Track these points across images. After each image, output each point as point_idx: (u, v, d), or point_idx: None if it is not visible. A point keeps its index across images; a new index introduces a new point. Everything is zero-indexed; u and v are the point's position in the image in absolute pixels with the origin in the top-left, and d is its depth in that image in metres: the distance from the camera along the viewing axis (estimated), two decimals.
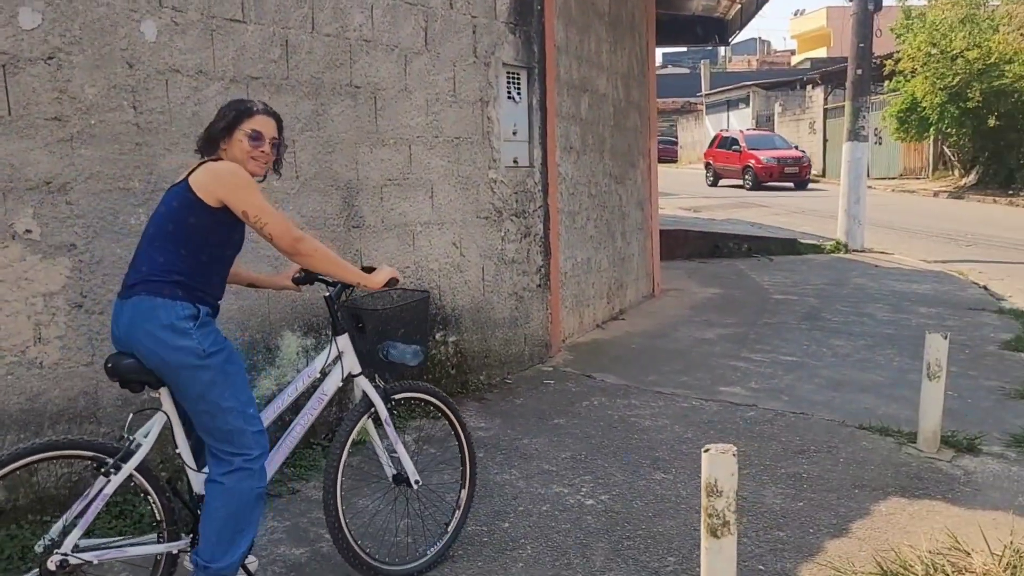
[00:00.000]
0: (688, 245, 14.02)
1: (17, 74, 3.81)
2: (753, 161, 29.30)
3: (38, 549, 3.00)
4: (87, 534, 3.07)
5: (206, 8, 4.47)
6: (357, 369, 3.61)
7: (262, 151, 3.23)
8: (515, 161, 6.69)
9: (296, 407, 3.59)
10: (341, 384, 3.61)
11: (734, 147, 30.96)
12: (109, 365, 3.08)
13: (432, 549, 3.82)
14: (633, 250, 9.89)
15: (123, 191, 4.12)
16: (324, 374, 3.59)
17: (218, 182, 3.08)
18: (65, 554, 2.98)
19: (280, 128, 3.32)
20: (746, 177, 29.69)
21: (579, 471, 4.84)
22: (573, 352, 7.51)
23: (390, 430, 3.65)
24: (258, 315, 4.77)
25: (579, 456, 5.06)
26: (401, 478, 3.76)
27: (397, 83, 5.58)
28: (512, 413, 5.86)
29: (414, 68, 5.70)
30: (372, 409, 3.63)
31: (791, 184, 29.13)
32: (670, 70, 69.20)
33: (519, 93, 6.69)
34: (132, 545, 3.27)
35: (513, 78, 6.62)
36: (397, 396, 3.74)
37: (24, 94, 3.83)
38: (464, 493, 3.99)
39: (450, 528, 3.92)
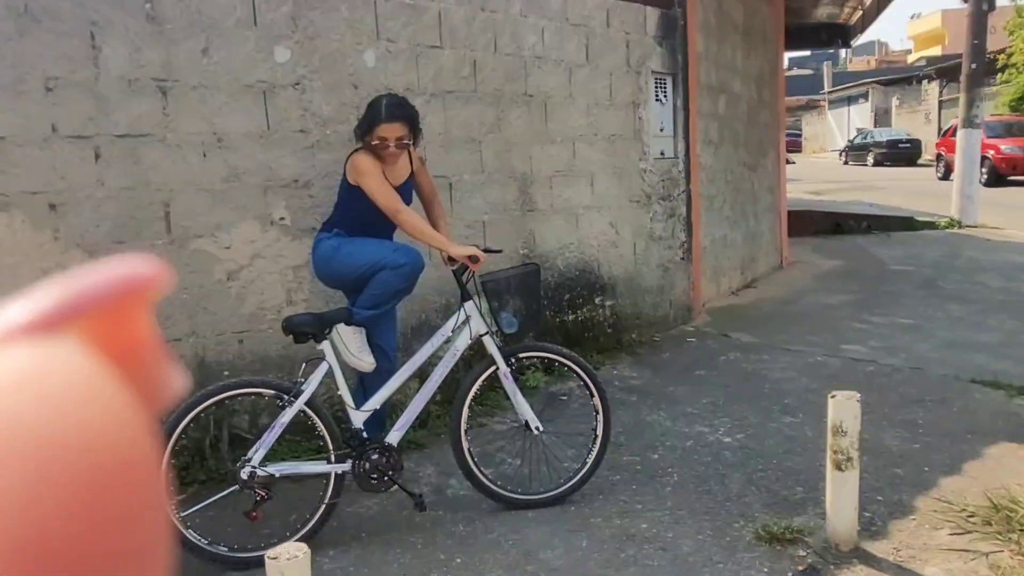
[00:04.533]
0: (812, 224, 13.43)
1: (273, 98, 4.11)
2: (993, 152, 20.82)
3: (238, 466, 3.23)
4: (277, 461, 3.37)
5: (412, 38, 4.66)
6: (483, 329, 3.55)
7: (388, 152, 3.50)
8: (662, 153, 6.61)
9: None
10: (470, 342, 3.56)
11: None
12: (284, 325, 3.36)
13: (555, 487, 3.70)
14: (764, 228, 9.60)
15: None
16: (455, 335, 3.59)
17: (353, 171, 3.57)
18: (254, 466, 3.18)
19: (410, 123, 3.52)
20: (982, 170, 20.83)
21: (718, 414, 4.79)
22: (712, 315, 7.39)
23: (508, 383, 3.57)
24: (452, 282, 4.94)
25: (718, 402, 5.01)
26: (528, 425, 3.68)
27: (563, 91, 5.64)
28: (660, 366, 5.85)
29: (577, 78, 5.74)
30: (495, 366, 3.56)
31: None
32: (795, 72, 65.87)
33: (665, 96, 6.61)
34: (305, 464, 3.50)
35: (660, 83, 6.54)
36: (522, 355, 3.64)
37: (278, 113, 4.13)
38: (597, 445, 3.76)
39: (584, 465, 3.76)
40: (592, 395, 3.75)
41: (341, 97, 4.33)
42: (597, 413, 3.76)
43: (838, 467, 3.14)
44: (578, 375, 3.72)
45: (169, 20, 3.81)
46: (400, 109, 3.50)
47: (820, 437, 4.20)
